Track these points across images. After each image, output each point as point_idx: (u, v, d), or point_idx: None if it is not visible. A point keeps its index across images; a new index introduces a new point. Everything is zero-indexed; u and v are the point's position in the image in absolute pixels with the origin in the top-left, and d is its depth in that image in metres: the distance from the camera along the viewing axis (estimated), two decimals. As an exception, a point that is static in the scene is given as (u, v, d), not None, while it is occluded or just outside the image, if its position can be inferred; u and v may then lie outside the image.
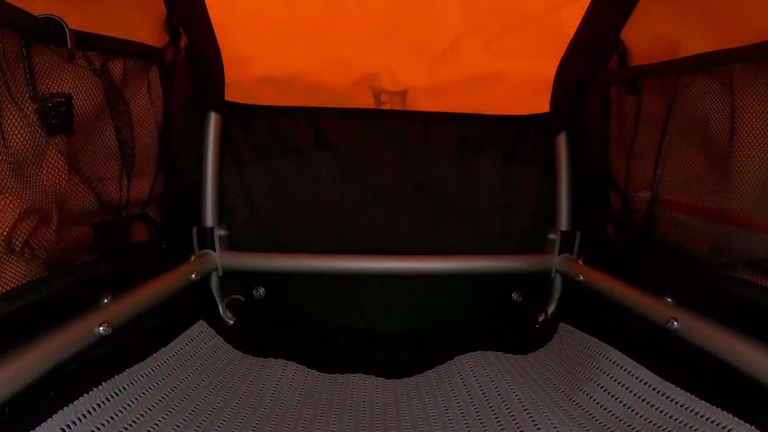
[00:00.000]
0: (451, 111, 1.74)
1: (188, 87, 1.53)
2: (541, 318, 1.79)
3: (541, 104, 1.75)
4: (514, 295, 1.83)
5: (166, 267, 1.44)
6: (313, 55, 1.61)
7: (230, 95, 1.67)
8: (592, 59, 1.54)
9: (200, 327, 1.54)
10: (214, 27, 1.50)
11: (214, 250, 1.68)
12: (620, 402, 1.17)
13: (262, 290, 1.77)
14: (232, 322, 1.71)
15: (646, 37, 1.35)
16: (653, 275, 1.32)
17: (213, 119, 1.65)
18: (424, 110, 1.74)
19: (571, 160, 1.74)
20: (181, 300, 1.47)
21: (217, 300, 1.72)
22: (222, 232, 1.69)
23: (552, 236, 1.77)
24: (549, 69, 1.67)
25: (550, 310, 1.79)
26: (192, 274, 1.52)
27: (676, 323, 1.15)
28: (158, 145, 1.42)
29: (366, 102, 1.74)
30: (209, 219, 1.68)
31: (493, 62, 1.63)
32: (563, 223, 1.76)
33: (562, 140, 1.74)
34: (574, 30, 1.53)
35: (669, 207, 1.31)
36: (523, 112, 1.76)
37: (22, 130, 0.91)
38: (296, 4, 1.51)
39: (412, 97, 1.74)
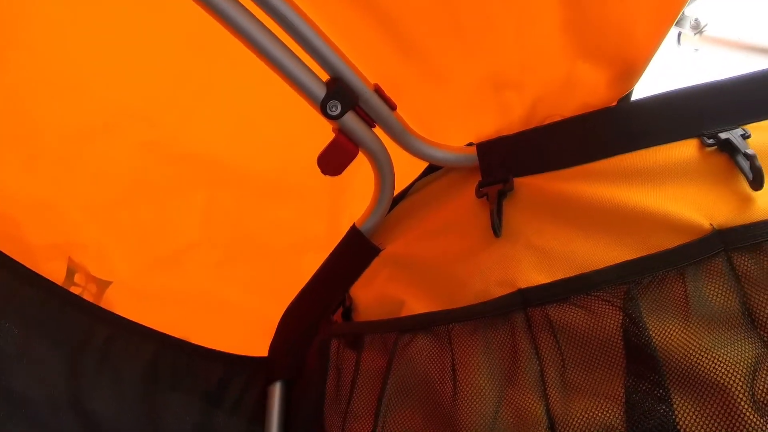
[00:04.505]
0: (152, 327, 1.31)
1: None
2: None
3: (260, 347, 1.46)
4: None
5: None
6: (23, 183, 1.15)
7: None
8: (320, 311, 1.40)
9: None
10: None
11: None
12: None
13: None
14: None
15: (373, 294, 1.29)
16: None
17: None
18: (119, 314, 1.28)
19: (283, 413, 1.39)
20: None
21: None
22: None
23: None
24: (276, 310, 1.45)
25: None
26: None
27: None
28: None
29: (56, 273, 1.23)
30: None
31: (219, 287, 1.37)
32: None
33: (276, 390, 1.41)
34: (308, 279, 1.41)
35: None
36: (238, 352, 1.43)
37: None
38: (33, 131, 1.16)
39: (113, 293, 1.30)
